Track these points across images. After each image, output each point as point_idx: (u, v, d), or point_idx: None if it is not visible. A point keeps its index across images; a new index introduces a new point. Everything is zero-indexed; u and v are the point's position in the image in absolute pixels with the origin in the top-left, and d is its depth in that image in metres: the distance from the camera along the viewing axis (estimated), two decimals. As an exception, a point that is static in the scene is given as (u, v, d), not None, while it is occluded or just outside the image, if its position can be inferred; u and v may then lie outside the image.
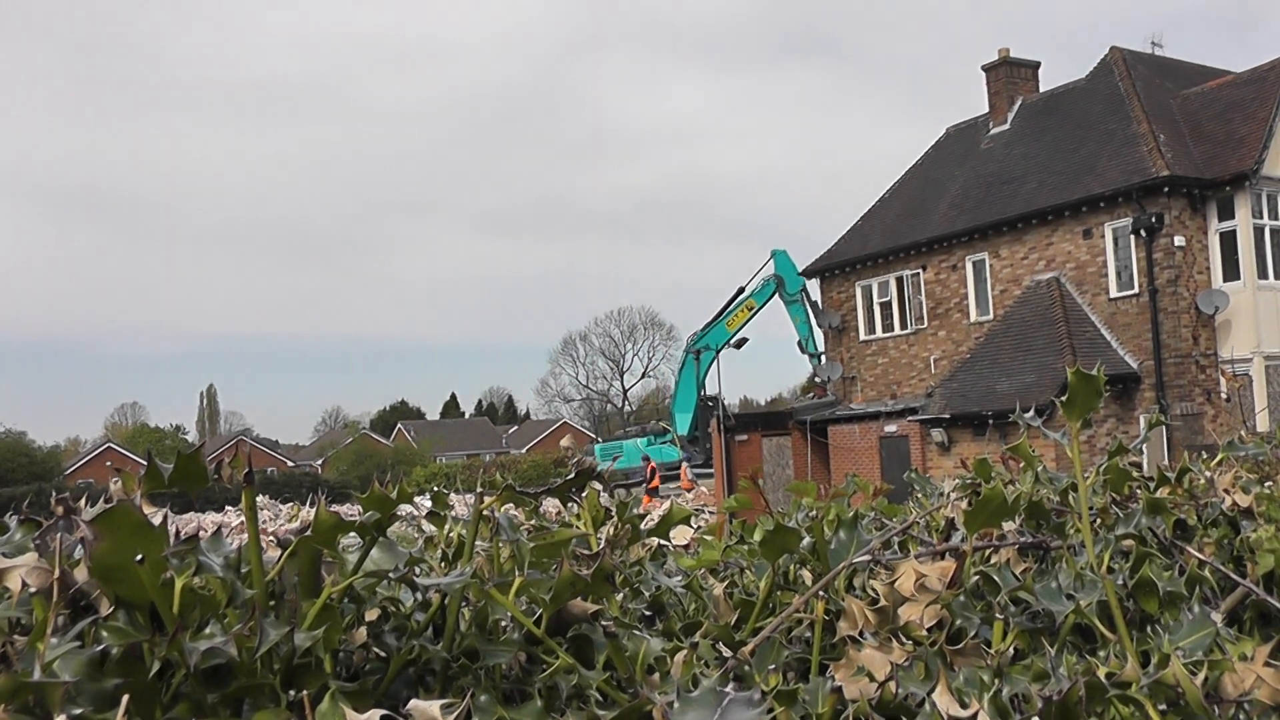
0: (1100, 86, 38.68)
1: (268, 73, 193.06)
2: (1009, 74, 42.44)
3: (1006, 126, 41.83)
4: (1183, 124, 35.97)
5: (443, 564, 2.36)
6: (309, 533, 1.87)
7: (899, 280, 41.22)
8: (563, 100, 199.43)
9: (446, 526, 2.54)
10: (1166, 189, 32.96)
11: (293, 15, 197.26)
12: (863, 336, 42.70)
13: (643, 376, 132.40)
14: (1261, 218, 33.70)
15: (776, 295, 47.53)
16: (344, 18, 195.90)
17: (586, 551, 2.21)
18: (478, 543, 2.24)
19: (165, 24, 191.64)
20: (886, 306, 41.86)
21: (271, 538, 2.09)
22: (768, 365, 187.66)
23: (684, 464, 59.93)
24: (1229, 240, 33.70)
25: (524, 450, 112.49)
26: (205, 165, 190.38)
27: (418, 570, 2.02)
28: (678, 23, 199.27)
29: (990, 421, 31.97)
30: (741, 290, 47.48)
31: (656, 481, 54.65)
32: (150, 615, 1.68)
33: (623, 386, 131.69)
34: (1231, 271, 33.57)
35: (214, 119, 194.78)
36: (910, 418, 36.49)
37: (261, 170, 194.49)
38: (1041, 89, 42.79)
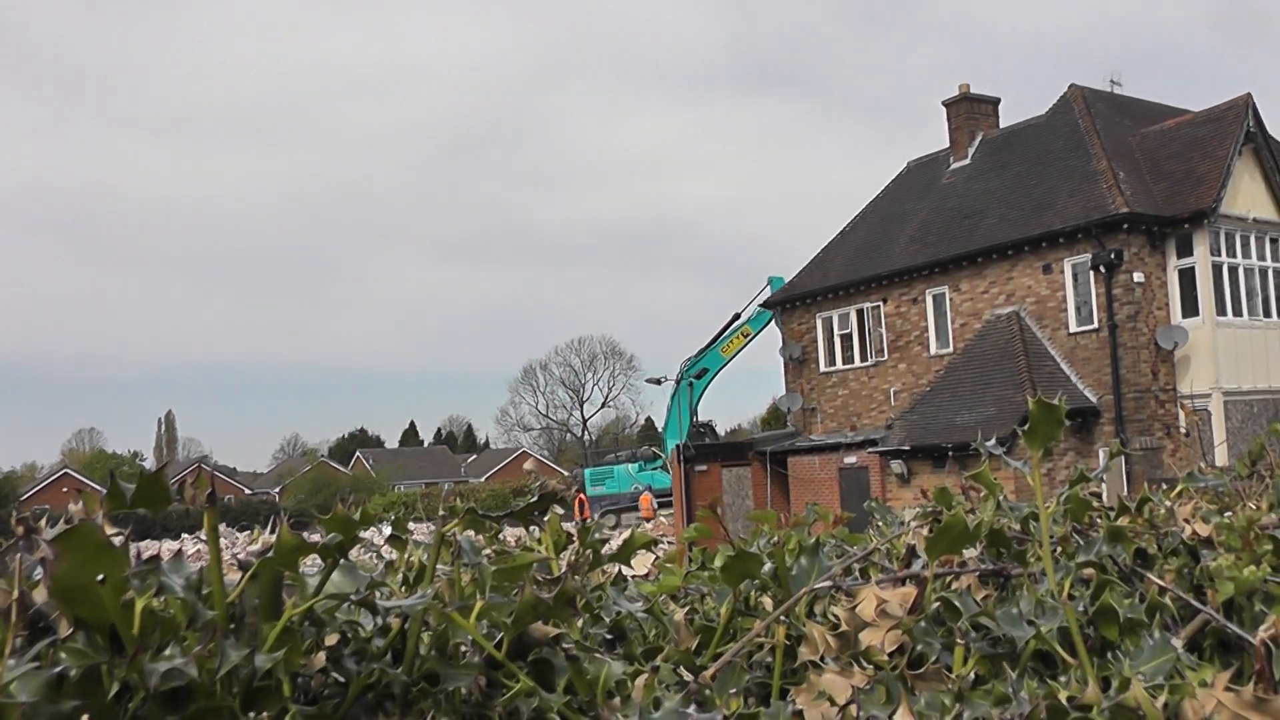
0: (1060, 123, 38.97)
1: (232, 99, 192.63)
2: (969, 109, 42.69)
3: (967, 161, 42.06)
4: (1142, 161, 36.28)
5: (404, 588, 2.35)
6: (271, 554, 1.86)
7: (859, 312, 41.35)
8: (526, 129, 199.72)
9: (407, 551, 2.53)
10: (1126, 225, 33.25)
11: (256, 42, 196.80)
12: (823, 368, 42.78)
13: (603, 406, 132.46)
14: (1220, 255, 34.04)
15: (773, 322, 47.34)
16: (307, 45, 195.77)
17: (548, 576, 2.21)
18: (439, 567, 2.23)
19: (129, 49, 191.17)
20: (847, 338, 41.96)
21: (233, 560, 2.08)
22: (727, 396, 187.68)
23: (646, 491, 59.98)
24: (1188, 277, 34.00)
25: (483, 479, 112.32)
26: (167, 190, 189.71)
27: (378, 594, 2.02)
28: (642, 54, 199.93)
29: (950, 453, 32.10)
30: (737, 316, 47.29)
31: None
32: (110, 636, 1.67)
33: (582, 416, 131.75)
34: (1190, 308, 33.87)
35: (177, 144, 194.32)
36: (870, 449, 36.59)
37: (223, 196, 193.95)
38: (1001, 125, 43.03)
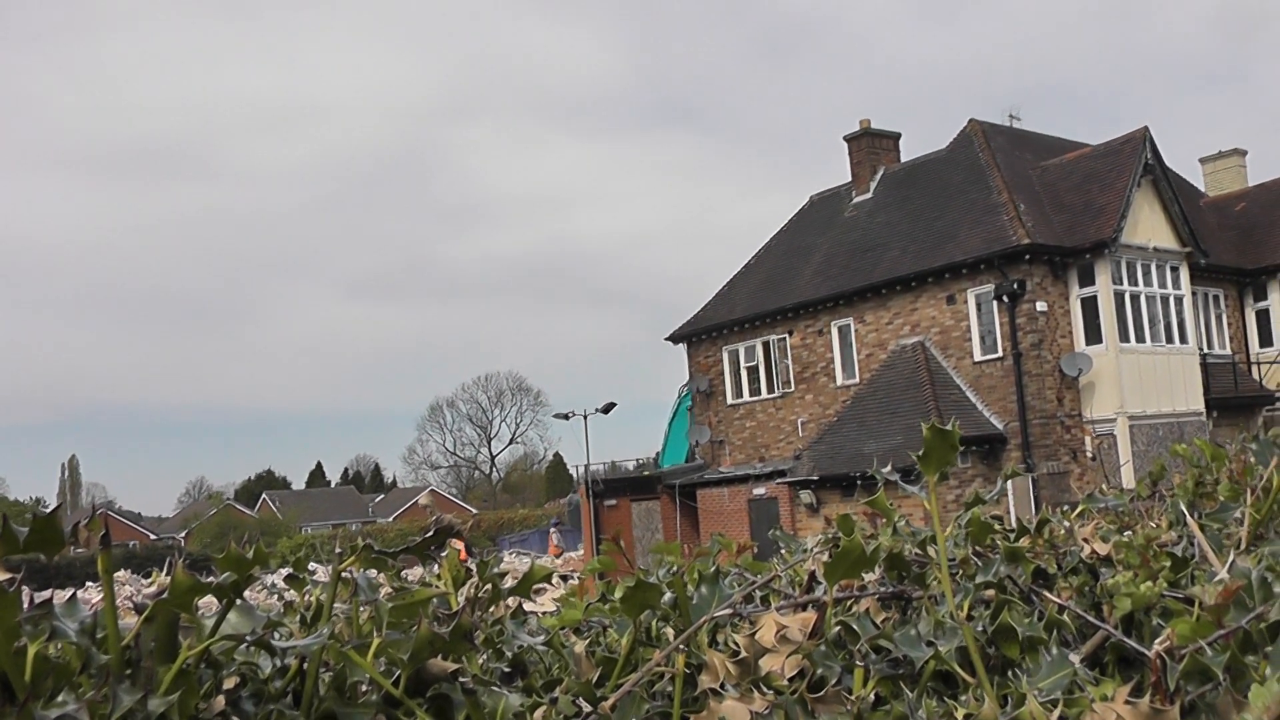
0: (960, 157, 39.50)
1: (135, 135, 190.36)
2: (870, 144, 43.15)
3: (869, 195, 42.47)
4: (1042, 194, 36.85)
5: (302, 627, 2.33)
6: (165, 595, 1.84)
7: (765, 345, 41.57)
8: (433, 165, 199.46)
9: (306, 590, 2.51)
10: (1028, 256, 33.77)
11: (160, 78, 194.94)
12: (730, 400, 42.91)
13: (510, 443, 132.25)
14: (1122, 284, 34.65)
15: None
16: (211, 82, 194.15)
17: (447, 611, 2.20)
18: (337, 605, 2.21)
19: (29, 85, 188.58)
20: (754, 371, 42.15)
21: (129, 603, 2.05)
22: (634, 430, 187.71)
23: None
24: (1091, 305, 34.60)
25: (391, 519, 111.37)
26: (68, 229, 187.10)
27: (276, 634, 2.00)
28: (547, 90, 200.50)
29: (858, 482, 32.31)
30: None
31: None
32: (1, 684, 1.64)
33: (490, 453, 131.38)
34: (1094, 335, 34.46)
35: (79, 182, 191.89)
36: (779, 480, 36.78)
37: (125, 234, 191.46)
38: (903, 159, 43.51)
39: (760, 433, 41.79)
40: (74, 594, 2.03)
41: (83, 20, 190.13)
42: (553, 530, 59.65)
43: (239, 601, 1.95)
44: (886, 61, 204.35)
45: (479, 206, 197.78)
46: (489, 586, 2.38)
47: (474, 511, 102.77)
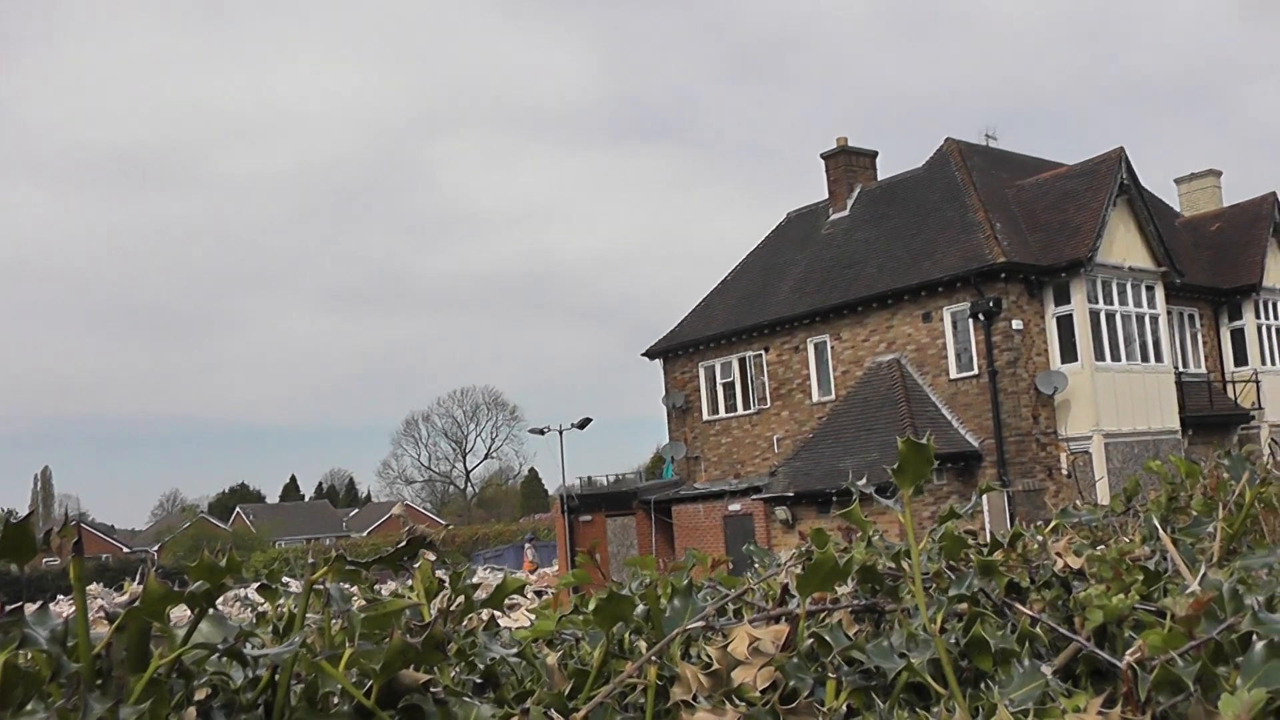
0: (937, 176, 39.65)
1: (109, 144, 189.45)
2: (847, 162, 43.28)
3: (846, 213, 42.58)
4: (1018, 212, 37.02)
5: (274, 638, 2.32)
6: (137, 604, 1.83)
7: (741, 361, 41.62)
8: (408, 178, 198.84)
9: (278, 601, 2.50)
10: (1003, 274, 33.92)
11: (134, 88, 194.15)
12: (706, 416, 42.95)
13: (486, 457, 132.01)
14: (1097, 302, 34.82)
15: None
16: (186, 92, 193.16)
17: (419, 622, 2.20)
18: (310, 616, 2.20)
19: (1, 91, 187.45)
20: (730, 387, 42.20)
21: (100, 613, 2.04)
22: (610, 446, 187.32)
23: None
24: (1066, 324, 34.76)
25: (365, 533, 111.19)
26: (41, 239, 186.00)
27: (249, 644, 1.99)
28: (524, 105, 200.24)
29: (834, 498, 32.34)
30: None
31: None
32: (-29, 694, 1.64)
33: (465, 468, 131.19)
34: (1069, 353, 34.61)
35: (51, 191, 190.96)
36: (754, 496, 36.81)
37: (99, 243, 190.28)
38: (879, 177, 43.65)
39: (736, 449, 41.83)
40: (44, 603, 2.02)
41: (55, 27, 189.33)
42: (528, 546, 59.59)
43: (211, 611, 1.95)
44: (864, 80, 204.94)
45: (455, 220, 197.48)
46: (462, 598, 2.38)
47: (448, 525, 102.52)
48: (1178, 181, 47.94)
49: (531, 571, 50.37)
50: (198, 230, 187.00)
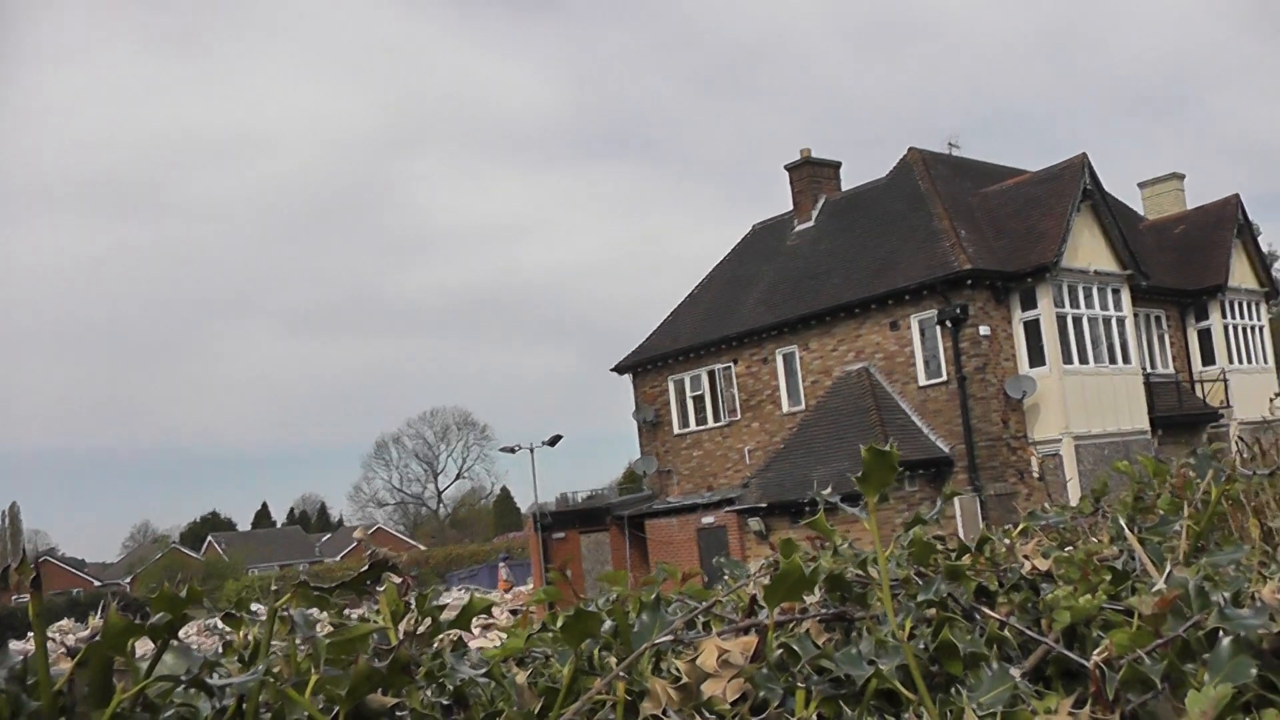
0: (901, 185, 39.76)
1: (74, 169, 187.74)
2: (812, 173, 43.40)
3: (811, 224, 42.68)
4: (982, 220, 37.17)
5: (240, 667, 2.30)
6: (98, 638, 1.81)
7: (711, 374, 41.66)
8: (377, 197, 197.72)
9: (243, 629, 2.48)
10: (970, 281, 34.03)
11: (100, 112, 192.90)
12: (676, 430, 42.96)
13: (457, 478, 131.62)
14: (1064, 306, 34.98)
15: None
16: (153, 115, 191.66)
17: (386, 645, 2.18)
18: (277, 643, 2.19)
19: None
20: (699, 400, 42.23)
21: (61, 648, 2.02)
22: (582, 462, 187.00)
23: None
24: (1033, 328, 34.91)
25: (338, 558, 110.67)
26: (5, 267, 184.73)
27: (215, 673, 1.97)
28: (492, 122, 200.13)
29: (806, 509, 32.26)
30: None
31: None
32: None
33: (437, 489, 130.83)
34: (1037, 358, 34.75)
35: (15, 217, 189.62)
36: (727, 509, 36.85)
37: (65, 271, 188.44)
38: (844, 188, 43.80)
39: (708, 462, 41.84)
40: (4, 641, 2.00)
41: (21, 53, 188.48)
42: (501, 565, 59.50)
43: (174, 642, 1.93)
44: (827, 91, 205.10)
45: (424, 240, 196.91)
46: (429, 620, 2.36)
47: (422, 547, 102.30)
48: (1141, 185, 48.15)
49: (506, 590, 50.31)
50: (166, 254, 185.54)
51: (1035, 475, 34.28)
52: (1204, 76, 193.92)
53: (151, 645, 1.95)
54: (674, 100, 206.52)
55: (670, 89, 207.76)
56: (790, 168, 43.84)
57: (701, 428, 42.16)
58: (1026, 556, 2.83)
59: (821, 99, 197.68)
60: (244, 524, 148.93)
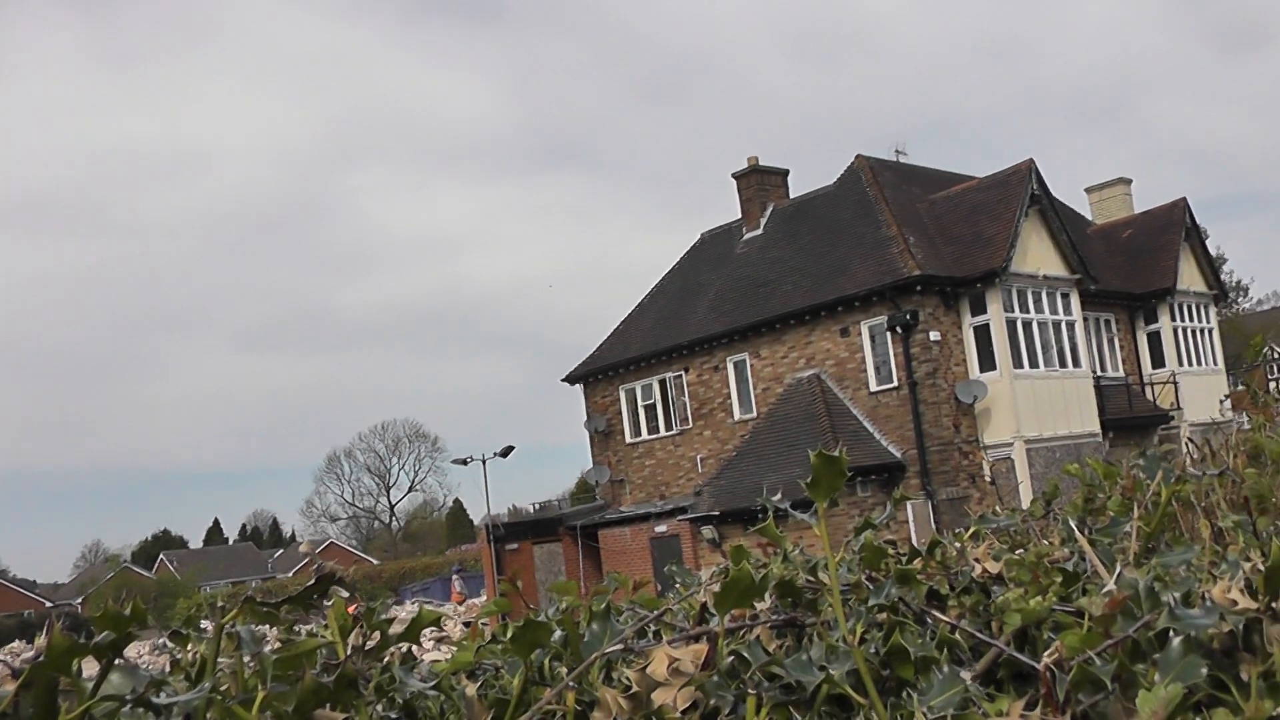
0: (849, 192, 39.91)
1: (14, 188, 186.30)
2: (759, 181, 43.49)
3: (759, 231, 42.77)
4: (931, 226, 37.35)
5: (187, 685, 2.28)
6: (42, 658, 1.78)
7: (662, 383, 41.72)
8: (321, 212, 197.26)
9: (191, 647, 2.45)
10: (919, 287, 34.21)
11: (41, 128, 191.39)
12: (629, 439, 42.98)
13: (410, 490, 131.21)
14: (1013, 311, 35.25)
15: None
16: (94, 131, 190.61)
17: (333, 660, 2.16)
18: (224, 660, 2.16)
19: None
20: (651, 409, 42.27)
21: (6, 669, 1.99)
22: (533, 473, 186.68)
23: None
24: (983, 333, 35.13)
25: (291, 574, 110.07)
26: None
27: (161, 692, 1.95)
28: (436, 134, 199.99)
29: (759, 515, 32.31)
30: None
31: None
32: None
33: (389, 502, 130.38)
34: (988, 362, 34.98)
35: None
36: (680, 517, 36.87)
37: (7, 290, 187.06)
38: (791, 195, 43.90)
39: (660, 470, 41.87)
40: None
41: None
42: (455, 577, 59.39)
43: (120, 661, 1.91)
44: (772, 99, 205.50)
45: (370, 253, 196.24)
46: (377, 634, 2.35)
47: (375, 561, 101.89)
48: (1088, 190, 48.47)
49: (460, 603, 50.19)
50: (110, 271, 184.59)
51: (987, 479, 34.48)
52: (1146, 83, 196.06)
53: (98, 665, 1.92)
54: (619, 110, 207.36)
55: (615, 99, 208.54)
56: (738, 175, 43.92)
57: (653, 436, 42.19)
58: (978, 560, 2.84)
59: (767, 107, 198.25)
60: (196, 541, 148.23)
